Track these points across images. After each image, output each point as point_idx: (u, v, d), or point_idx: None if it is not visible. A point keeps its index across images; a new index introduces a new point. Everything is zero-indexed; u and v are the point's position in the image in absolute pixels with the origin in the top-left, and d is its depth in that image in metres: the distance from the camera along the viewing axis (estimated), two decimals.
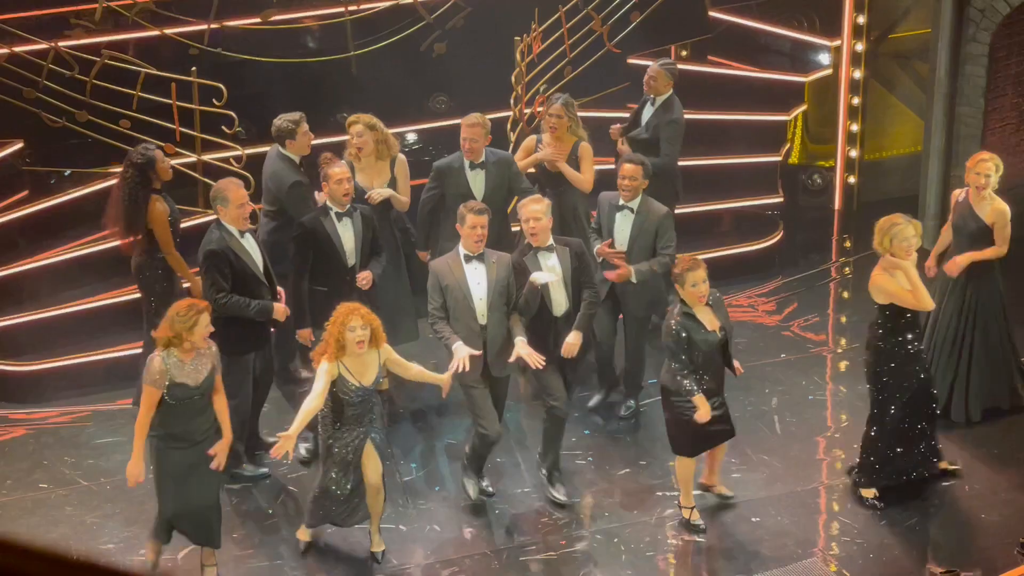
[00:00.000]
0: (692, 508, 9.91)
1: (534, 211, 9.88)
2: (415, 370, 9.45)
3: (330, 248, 10.37)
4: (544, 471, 10.26)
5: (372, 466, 9.26)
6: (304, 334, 10.42)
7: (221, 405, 9.01)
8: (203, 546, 9.31)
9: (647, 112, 12.29)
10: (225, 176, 12.58)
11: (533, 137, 11.80)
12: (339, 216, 10.41)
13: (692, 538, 9.79)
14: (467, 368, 9.47)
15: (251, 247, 10.11)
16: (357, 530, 9.89)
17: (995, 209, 10.63)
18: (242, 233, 10.05)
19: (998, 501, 10.22)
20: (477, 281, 9.72)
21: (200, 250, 10.00)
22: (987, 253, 10.70)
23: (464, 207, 9.83)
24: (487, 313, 9.71)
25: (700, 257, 9.67)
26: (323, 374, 8.92)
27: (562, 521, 9.98)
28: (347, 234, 10.44)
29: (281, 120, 11.09)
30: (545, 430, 10.15)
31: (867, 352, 9.97)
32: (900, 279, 9.66)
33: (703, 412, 9.33)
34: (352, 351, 8.94)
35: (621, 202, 10.76)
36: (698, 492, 10.01)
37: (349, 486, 9.30)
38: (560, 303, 10.03)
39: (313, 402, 8.86)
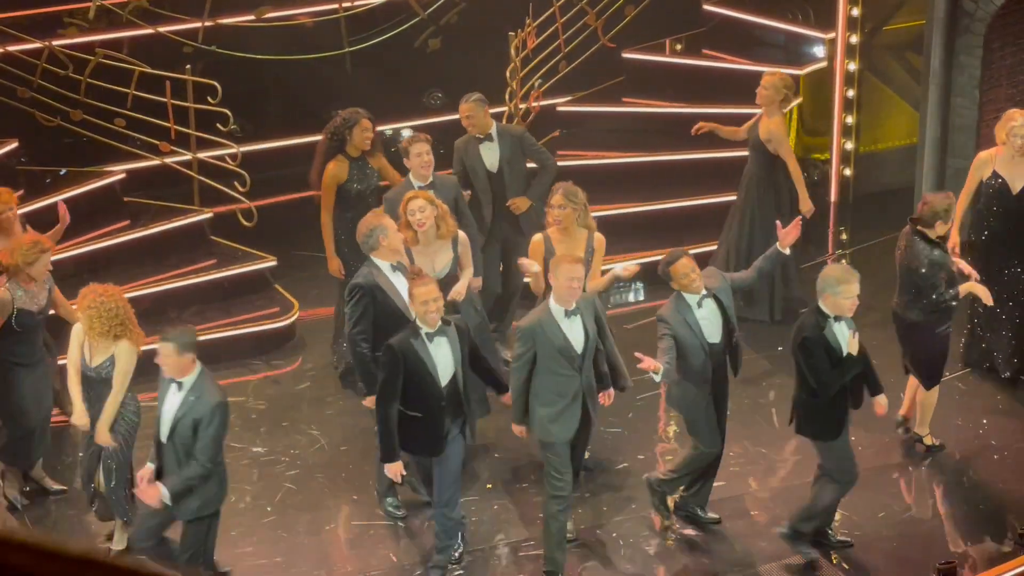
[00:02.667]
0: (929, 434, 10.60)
1: None
2: (115, 389, 9.19)
3: (423, 371, 8.88)
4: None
5: None
6: (393, 468, 9.03)
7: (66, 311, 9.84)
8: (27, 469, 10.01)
9: (489, 150, 11.31)
10: (221, 173, 12.65)
11: (539, 236, 10.13)
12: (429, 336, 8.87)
13: (691, 532, 9.79)
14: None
15: (402, 282, 9.56)
16: (356, 526, 9.89)
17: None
18: (394, 268, 9.57)
19: (996, 492, 10.23)
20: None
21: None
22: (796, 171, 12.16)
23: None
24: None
25: (693, 250, 9.80)
26: (73, 335, 9.28)
27: None
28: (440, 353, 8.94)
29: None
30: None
31: None
32: None
33: (985, 295, 10.21)
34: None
35: (699, 297, 9.33)
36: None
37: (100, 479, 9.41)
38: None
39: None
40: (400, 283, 9.52)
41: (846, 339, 9.07)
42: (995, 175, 11.13)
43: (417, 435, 8.91)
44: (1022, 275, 11.22)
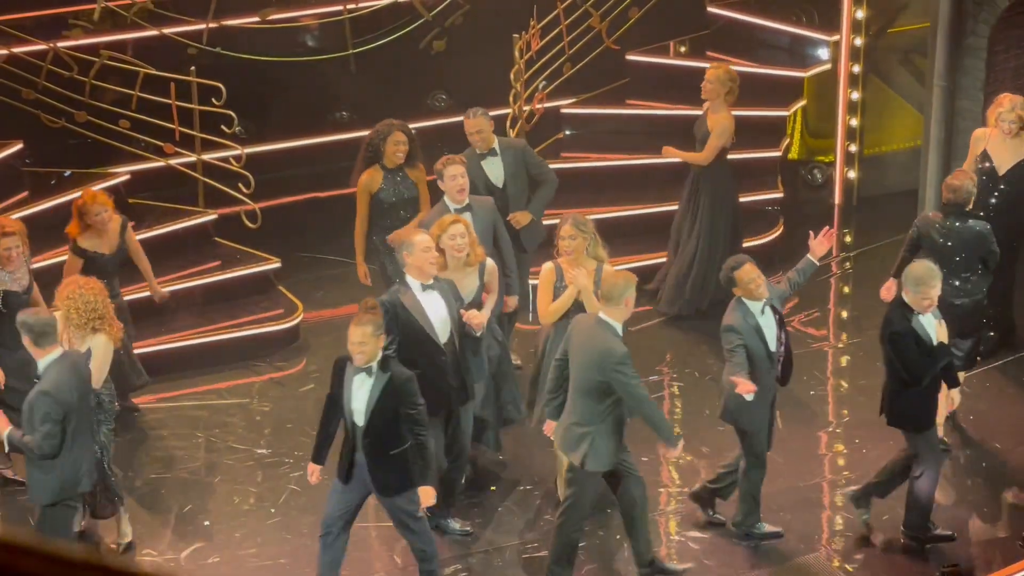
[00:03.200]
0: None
1: None
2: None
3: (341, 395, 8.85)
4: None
5: None
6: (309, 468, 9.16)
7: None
8: None
9: (492, 164, 11.14)
10: (225, 174, 12.65)
11: (550, 265, 9.89)
12: None
13: (694, 534, 9.79)
14: None
15: (432, 303, 9.38)
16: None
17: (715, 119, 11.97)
18: (426, 287, 9.33)
19: (1000, 495, 10.22)
20: None
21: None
22: (689, 156, 12.15)
23: None
24: None
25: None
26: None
27: None
28: None
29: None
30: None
31: None
32: None
33: None
34: None
35: (762, 304, 9.32)
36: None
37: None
38: None
39: None
40: (430, 303, 9.33)
41: (934, 328, 9.23)
42: (985, 155, 11.48)
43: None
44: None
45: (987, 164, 11.49)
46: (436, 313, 9.36)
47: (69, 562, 2.34)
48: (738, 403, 9.16)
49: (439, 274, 9.47)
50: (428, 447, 8.84)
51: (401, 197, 11.00)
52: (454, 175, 10.31)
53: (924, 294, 9.13)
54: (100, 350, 9.09)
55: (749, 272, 9.20)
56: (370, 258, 11.20)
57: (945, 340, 9.30)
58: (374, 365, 8.57)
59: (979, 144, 11.64)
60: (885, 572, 9.50)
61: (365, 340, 8.51)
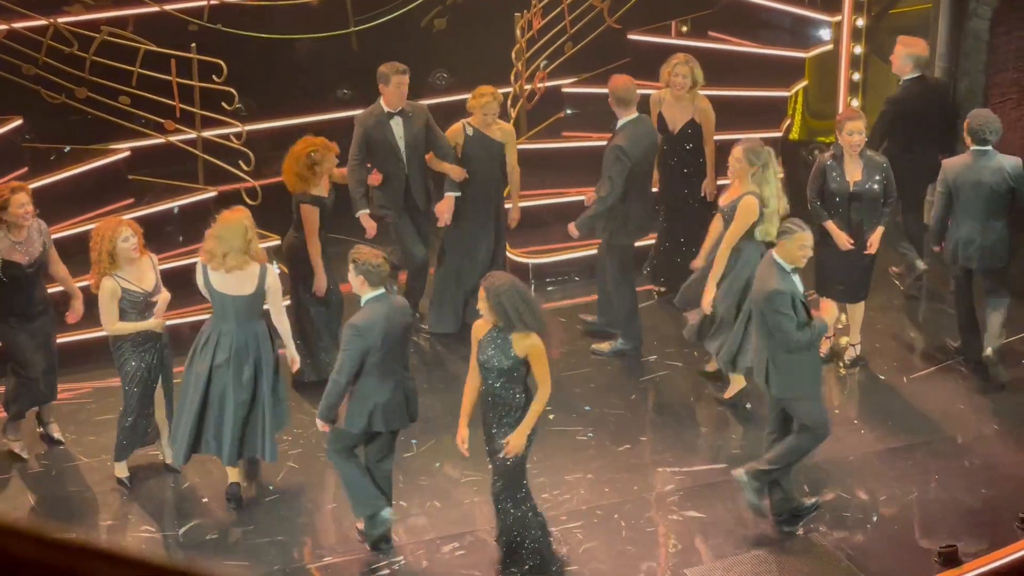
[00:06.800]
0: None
1: None
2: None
3: None
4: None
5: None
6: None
7: (63, 273, 10.22)
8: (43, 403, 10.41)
9: None
10: (225, 151, 12.63)
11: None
12: None
13: (692, 513, 9.80)
14: None
15: None
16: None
17: (505, 131, 11.78)
18: None
19: (998, 476, 10.24)
20: None
21: None
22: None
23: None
24: None
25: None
26: (110, 298, 9.52)
27: (562, 497, 9.99)
28: None
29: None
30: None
31: None
32: None
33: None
34: (128, 257, 9.53)
35: None
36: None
37: (152, 405, 9.94)
38: None
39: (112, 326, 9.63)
40: None
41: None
42: (660, 117, 12.10)
43: None
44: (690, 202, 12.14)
45: (664, 126, 12.03)
46: None
47: (70, 548, 2.33)
48: None
49: None
50: None
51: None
52: None
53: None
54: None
55: None
56: None
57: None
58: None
59: (656, 107, 12.10)
60: (882, 552, 9.51)
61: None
